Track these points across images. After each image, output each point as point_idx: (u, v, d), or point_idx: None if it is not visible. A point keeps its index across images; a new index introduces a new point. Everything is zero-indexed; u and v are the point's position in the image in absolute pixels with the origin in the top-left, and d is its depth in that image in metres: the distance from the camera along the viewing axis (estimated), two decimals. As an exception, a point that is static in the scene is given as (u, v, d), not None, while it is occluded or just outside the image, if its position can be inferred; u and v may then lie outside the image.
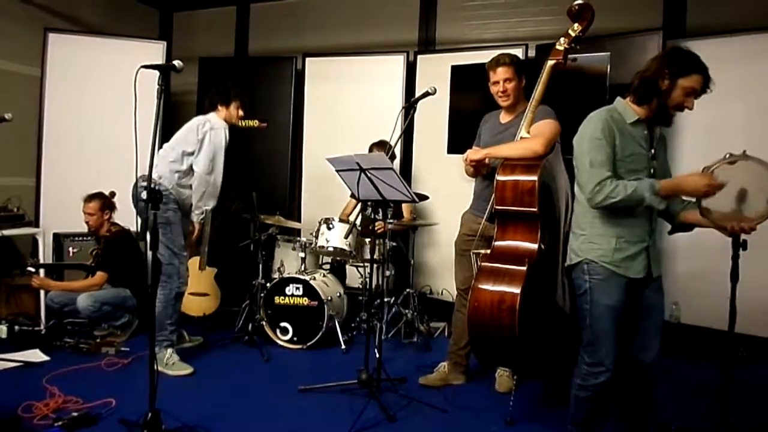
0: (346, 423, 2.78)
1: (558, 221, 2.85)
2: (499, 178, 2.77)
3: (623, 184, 2.13)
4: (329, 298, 3.99)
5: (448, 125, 4.67)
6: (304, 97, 5.24)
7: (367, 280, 3.76)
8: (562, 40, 2.90)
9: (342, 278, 4.58)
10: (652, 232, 2.28)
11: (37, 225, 4.60)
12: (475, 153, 2.98)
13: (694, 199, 2.21)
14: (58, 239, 4.53)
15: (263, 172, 5.21)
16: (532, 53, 4.53)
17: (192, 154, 3.55)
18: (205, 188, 3.55)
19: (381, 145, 4.30)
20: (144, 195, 2.46)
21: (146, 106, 2.53)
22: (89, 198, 4.07)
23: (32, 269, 4.00)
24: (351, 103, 5.07)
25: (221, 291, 4.61)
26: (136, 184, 3.43)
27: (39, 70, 4.74)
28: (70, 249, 4.55)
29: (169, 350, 3.50)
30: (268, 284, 4.13)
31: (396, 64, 4.97)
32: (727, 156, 2.13)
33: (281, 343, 4.03)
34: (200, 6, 5.97)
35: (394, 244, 4.30)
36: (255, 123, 5.20)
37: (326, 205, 4.83)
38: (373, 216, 3.99)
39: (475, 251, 2.93)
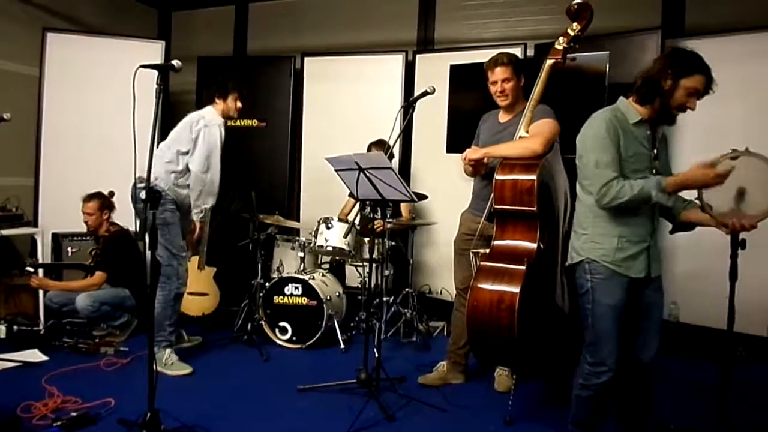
0: (346, 422, 2.78)
1: (557, 220, 2.85)
2: (498, 177, 2.77)
3: (629, 184, 2.13)
4: (328, 297, 3.98)
5: (447, 125, 4.66)
6: (302, 97, 5.23)
7: (366, 279, 3.76)
8: (561, 39, 2.89)
9: (341, 278, 4.58)
10: (653, 232, 2.28)
11: (35, 225, 4.59)
12: (473, 152, 2.98)
13: (695, 197, 2.21)
14: (57, 239, 4.53)
15: (262, 171, 5.21)
16: (531, 52, 4.52)
17: (187, 153, 3.52)
18: (201, 187, 3.52)
19: (380, 145, 4.30)
20: (143, 195, 2.46)
21: (145, 106, 2.52)
22: (88, 198, 4.07)
23: (31, 269, 3.99)
24: (350, 103, 5.06)
25: (220, 290, 4.61)
26: (134, 185, 3.42)
27: (37, 69, 4.73)
28: (69, 249, 4.54)
29: (168, 350, 3.50)
30: (267, 284, 4.13)
31: (395, 63, 4.96)
32: (730, 151, 2.13)
33: (280, 342, 4.02)
34: (199, 5, 5.96)
35: (393, 243, 4.29)
36: (254, 122, 5.20)
37: (325, 204, 4.82)
38: (372, 215, 4.00)
39: (474, 250, 2.93)
